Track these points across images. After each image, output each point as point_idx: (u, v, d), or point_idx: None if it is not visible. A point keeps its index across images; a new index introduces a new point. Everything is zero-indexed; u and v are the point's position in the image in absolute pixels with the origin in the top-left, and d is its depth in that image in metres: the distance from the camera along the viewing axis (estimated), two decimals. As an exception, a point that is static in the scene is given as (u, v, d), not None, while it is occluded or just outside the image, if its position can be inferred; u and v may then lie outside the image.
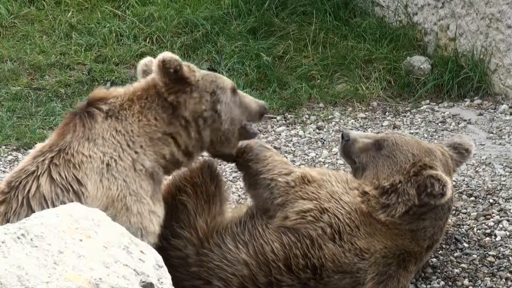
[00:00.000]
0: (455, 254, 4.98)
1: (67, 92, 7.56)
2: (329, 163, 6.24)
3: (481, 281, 4.73)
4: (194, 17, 8.50)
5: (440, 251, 4.97)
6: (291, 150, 6.53)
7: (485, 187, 5.71)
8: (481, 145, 6.49)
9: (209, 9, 8.73)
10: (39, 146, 3.95)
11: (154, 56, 4.15)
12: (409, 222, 4.23)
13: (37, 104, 7.25)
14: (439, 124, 6.96)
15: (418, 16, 8.10)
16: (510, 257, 4.92)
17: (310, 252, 4.12)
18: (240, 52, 7.96)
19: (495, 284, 4.71)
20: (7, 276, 2.57)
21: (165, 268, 3.02)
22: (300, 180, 4.29)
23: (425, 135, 6.69)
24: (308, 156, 6.39)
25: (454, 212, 5.31)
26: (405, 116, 7.14)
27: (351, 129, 6.76)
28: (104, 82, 7.64)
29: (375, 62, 7.75)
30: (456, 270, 4.84)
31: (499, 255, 4.95)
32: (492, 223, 5.25)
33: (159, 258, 3.03)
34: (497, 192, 5.64)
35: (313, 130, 6.87)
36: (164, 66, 3.94)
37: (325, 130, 6.90)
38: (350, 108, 7.29)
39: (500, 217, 5.31)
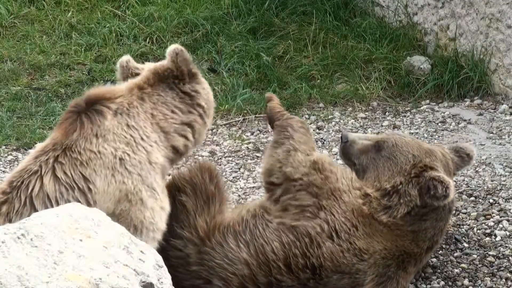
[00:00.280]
0: (455, 254, 4.97)
1: (67, 92, 7.55)
2: (329, 163, 6.24)
3: (481, 281, 4.73)
4: (194, 17, 8.49)
5: (440, 251, 4.97)
6: (291, 150, 6.52)
7: (485, 187, 5.71)
8: (481, 145, 6.49)
9: (209, 9, 8.72)
10: (39, 145, 3.91)
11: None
12: (411, 223, 4.24)
13: (37, 104, 7.24)
14: (439, 124, 6.95)
15: (418, 16, 8.10)
16: (510, 257, 4.92)
17: (309, 251, 4.12)
18: (240, 52, 7.95)
19: (495, 284, 4.70)
20: (7, 276, 2.57)
21: (165, 268, 3.02)
22: (311, 165, 4.33)
23: (425, 135, 6.69)
24: (308, 156, 6.39)
25: (454, 212, 5.31)
26: (405, 116, 7.13)
27: (351, 130, 6.77)
28: (104, 82, 7.63)
29: (375, 62, 7.74)
30: (456, 270, 4.83)
31: (499, 255, 4.94)
32: (492, 223, 5.25)
33: (159, 258, 3.04)
34: (497, 192, 5.64)
35: (313, 130, 6.86)
36: (183, 56, 4.09)
37: (325, 130, 6.89)
38: (350, 108, 7.28)
39: (500, 217, 5.31)
